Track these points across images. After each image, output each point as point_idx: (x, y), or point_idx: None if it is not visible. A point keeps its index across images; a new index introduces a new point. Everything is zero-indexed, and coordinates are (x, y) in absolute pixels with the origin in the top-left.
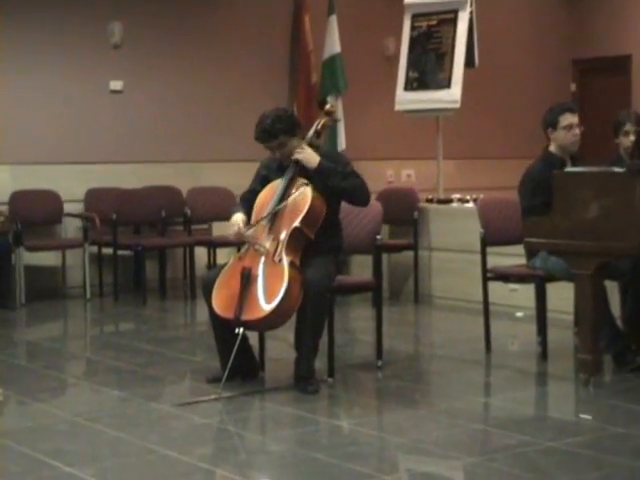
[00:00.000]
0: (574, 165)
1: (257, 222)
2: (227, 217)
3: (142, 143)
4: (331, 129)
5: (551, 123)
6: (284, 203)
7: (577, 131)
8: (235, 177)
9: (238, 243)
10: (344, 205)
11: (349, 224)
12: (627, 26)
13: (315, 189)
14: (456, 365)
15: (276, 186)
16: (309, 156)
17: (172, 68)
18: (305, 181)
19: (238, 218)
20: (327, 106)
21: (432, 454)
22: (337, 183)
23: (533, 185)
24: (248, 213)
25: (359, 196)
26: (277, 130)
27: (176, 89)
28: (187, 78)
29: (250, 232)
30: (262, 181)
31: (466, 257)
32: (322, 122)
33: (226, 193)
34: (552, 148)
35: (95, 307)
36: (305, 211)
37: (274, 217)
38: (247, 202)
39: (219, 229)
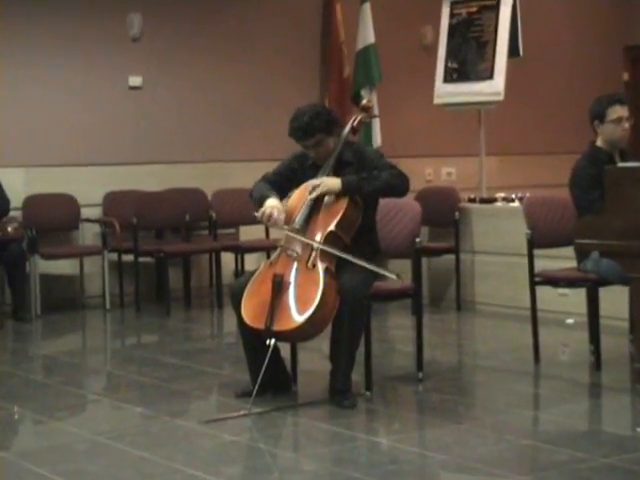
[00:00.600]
0: (623, 160)
1: (289, 229)
2: (252, 218)
3: (163, 143)
4: (365, 125)
5: (598, 115)
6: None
7: (626, 125)
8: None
9: (267, 228)
10: (381, 207)
11: (386, 226)
12: None
13: None
14: (502, 376)
15: (309, 188)
16: (328, 186)
17: (195, 63)
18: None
19: (274, 203)
20: (364, 101)
21: (477, 472)
22: (369, 189)
23: (584, 182)
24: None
25: (396, 188)
26: (315, 128)
27: (199, 85)
28: (211, 73)
29: (286, 228)
30: (289, 173)
31: (512, 260)
32: (358, 118)
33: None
34: (599, 142)
35: (115, 318)
36: (341, 214)
37: (307, 221)
38: (272, 185)
39: (247, 233)
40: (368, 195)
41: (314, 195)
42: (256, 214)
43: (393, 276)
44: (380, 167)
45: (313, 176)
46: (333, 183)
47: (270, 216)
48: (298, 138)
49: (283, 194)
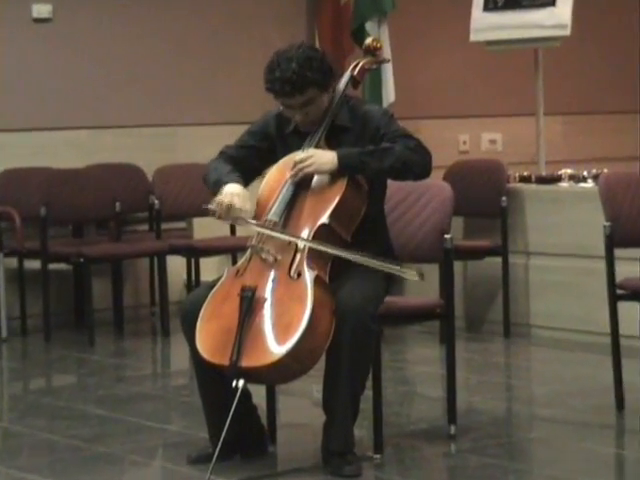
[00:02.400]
0: None
1: (260, 224)
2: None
3: (84, 99)
4: (371, 74)
5: None
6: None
7: None
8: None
9: (228, 223)
10: (393, 190)
11: (402, 218)
12: None
13: None
14: (571, 431)
15: (291, 165)
16: (317, 162)
17: None
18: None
19: (235, 189)
20: (369, 40)
21: None
22: (376, 167)
23: None
24: (242, 181)
25: (413, 167)
26: (306, 80)
27: (135, 18)
28: (152, 2)
29: (255, 223)
30: (261, 144)
31: (583, 265)
32: (361, 64)
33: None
34: None
35: (15, 351)
36: (337, 200)
37: (289, 210)
38: (235, 164)
39: (203, 228)
40: (374, 176)
41: (299, 176)
42: (209, 206)
43: (412, 274)
44: (390, 135)
45: (297, 147)
46: (325, 159)
47: (229, 208)
48: (282, 95)
49: (251, 176)
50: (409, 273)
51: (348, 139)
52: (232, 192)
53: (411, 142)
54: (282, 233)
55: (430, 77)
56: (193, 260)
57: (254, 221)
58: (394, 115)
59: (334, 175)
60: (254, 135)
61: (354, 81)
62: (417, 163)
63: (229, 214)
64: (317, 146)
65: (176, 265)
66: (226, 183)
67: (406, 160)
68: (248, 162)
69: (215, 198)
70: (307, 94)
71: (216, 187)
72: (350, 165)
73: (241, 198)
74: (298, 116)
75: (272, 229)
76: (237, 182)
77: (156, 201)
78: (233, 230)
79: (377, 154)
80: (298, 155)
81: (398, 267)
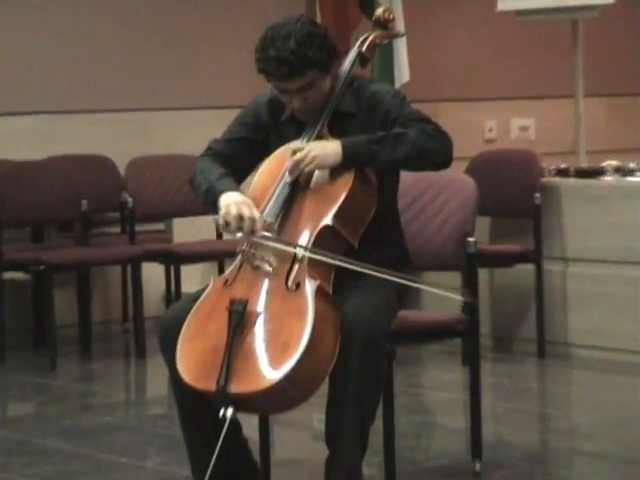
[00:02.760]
0: None
1: (278, 240)
2: (194, 205)
3: (42, 80)
4: (382, 50)
5: None
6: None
7: None
8: (209, 134)
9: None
10: (407, 185)
11: (418, 217)
12: None
13: None
14: (617, 468)
15: (288, 156)
16: (319, 155)
17: None
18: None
19: (237, 198)
20: (379, 10)
21: None
22: (387, 158)
23: None
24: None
25: (432, 155)
26: (307, 61)
27: None
28: None
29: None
30: (252, 134)
31: (630, 274)
32: (370, 39)
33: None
34: None
35: None
36: (343, 198)
37: (286, 211)
38: (226, 161)
39: (184, 230)
40: (385, 167)
41: (296, 172)
42: (217, 220)
43: (457, 295)
44: (403, 119)
45: (294, 138)
46: (328, 150)
47: (240, 220)
48: (278, 78)
49: (244, 172)
50: (451, 294)
51: (353, 127)
52: (234, 201)
53: (428, 126)
54: (278, 242)
55: (450, 53)
56: (173, 268)
57: (267, 235)
58: (406, 97)
59: (339, 168)
60: (245, 126)
61: (362, 59)
62: (436, 150)
63: (241, 229)
64: (319, 137)
65: (153, 274)
66: (223, 192)
67: (423, 147)
68: (239, 157)
69: (219, 211)
70: (307, 77)
71: (210, 195)
72: (357, 156)
73: (248, 207)
74: (296, 102)
75: (269, 239)
76: (233, 185)
77: (129, 198)
78: (220, 233)
79: (389, 141)
80: (295, 145)
81: (432, 286)
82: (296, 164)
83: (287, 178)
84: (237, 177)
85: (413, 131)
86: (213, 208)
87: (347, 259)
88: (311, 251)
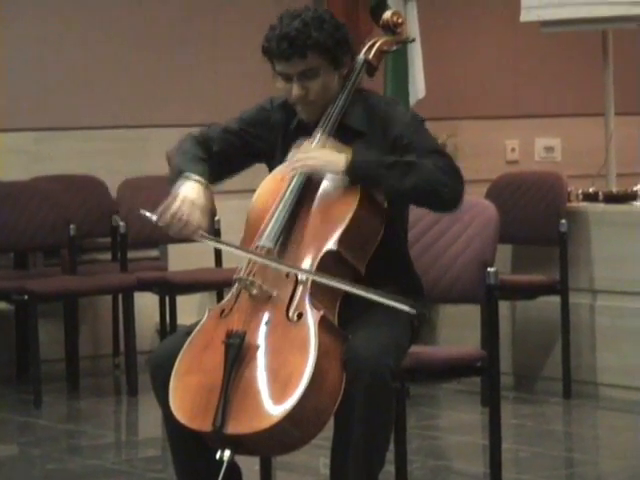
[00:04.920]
0: None
1: (247, 250)
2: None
3: (29, 95)
4: (393, 59)
5: None
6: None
7: None
8: None
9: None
10: (422, 210)
11: (433, 245)
12: None
13: None
14: None
15: (290, 175)
16: (324, 156)
17: None
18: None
19: (190, 191)
20: (387, 14)
21: None
22: (395, 186)
23: None
24: (213, 174)
25: (442, 194)
26: (310, 40)
27: None
28: None
29: (208, 238)
30: (257, 130)
31: None
32: (378, 44)
33: None
34: None
35: None
36: (348, 220)
37: (286, 234)
38: (210, 149)
39: (181, 257)
40: (389, 195)
41: (298, 170)
42: (150, 215)
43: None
44: (416, 147)
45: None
46: (333, 157)
47: (173, 218)
48: (278, 54)
49: (230, 171)
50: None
51: (360, 147)
52: (183, 196)
53: (442, 161)
54: (279, 262)
55: (470, 67)
56: (168, 298)
57: (207, 236)
58: (425, 122)
59: (344, 188)
60: (250, 120)
61: (369, 66)
62: (448, 188)
63: (172, 222)
64: (324, 142)
65: (147, 305)
66: (183, 174)
67: (435, 182)
68: (233, 149)
69: (164, 202)
70: (309, 60)
71: (173, 178)
72: (361, 174)
73: (189, 205)
74: (295, 89)
75: (266, 257)
76: (199, 177)
77: (121, 223)
78: (219, 261)
79: (398, 168)
80: (297, 156)
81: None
82: (298, 159)
83: (288, 188)
84: (218, 173)
85: (426, 163)
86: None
87: (352, 283)
88: (314, 274)
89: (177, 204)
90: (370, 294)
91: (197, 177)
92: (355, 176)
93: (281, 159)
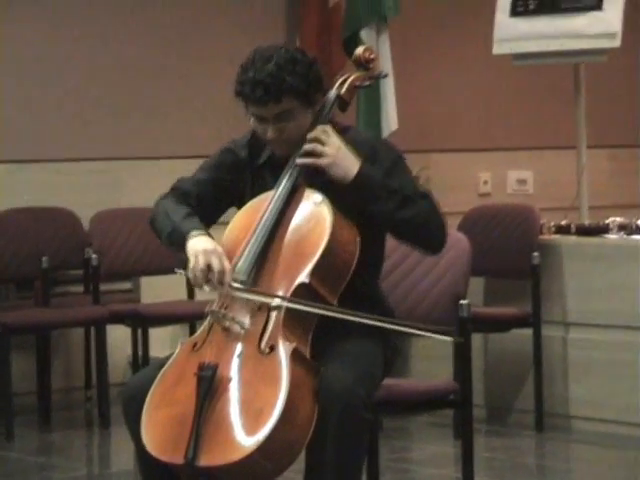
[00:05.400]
0: None
1: (251, 291)
2: (164, 262)
3: (2, 127)
4: (366, 95)
5: None
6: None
7: None
8: None
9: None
10: (394, 243)
11: (406, 278)
12: None
13: (337, 208)
14: None
15: (262, 209)
16: (338, 156)
17: None
18: (317, 194)
19: (208, 245)
20: (359, 50)
21: None
22: (389, 211)
23: None
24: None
25: (428, 236)
26: (284, 86)
27: (74, 28)
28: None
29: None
30: (227, 175)
31: (636, 340)
32: (350, 80)
33: None
34: None
35: None
36: (320, 251)
37: (258, 268)
38: (190, 203)
39: (153, 290)
40: (382, 219)
41: (300, 161)
42: (182, 272)
43: (446, 337)
44: (404, 187)
45: (269, 182)
46: (346, 162)
47: (208, 271)
48: (253, 101)
49: (213, 217)
50: (440, 336)
51: (338, 186)
52: (205, 249)
53: (432, 205)
54: (251, 293)
55: (442, 100)
56: (140, 330)
57: (237, 287)
58: (403, 157)
59: (315, 217)
60: (218, 166)
61: (341, 102)
62: (438, 227)
63: (208, 281)
64: (294, 189)
65: (119, 337)
66: (190, 232)
67: (428, 219)
68: (209, 199)
69: (189, 259)
70: (283, 104)
71: (175, 237)
72: (366, 188)
73: (218, 256)
74: (270, 131)
75: (243, 290)
76: (202, 228)
77: (93, 255)
78: (191, 293)
79: (399, 197)
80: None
81: (418, 328)
82: (311, 143)
83: (293, 160)
84: (204, 221)
85: (422, 203)
86: (178, 250)
87: (326, 306)
88: (289, 300)
89: (196, 258)
90: (348, 316)
91: (201, 231)
92: (358, 187)
93: (250, 195)
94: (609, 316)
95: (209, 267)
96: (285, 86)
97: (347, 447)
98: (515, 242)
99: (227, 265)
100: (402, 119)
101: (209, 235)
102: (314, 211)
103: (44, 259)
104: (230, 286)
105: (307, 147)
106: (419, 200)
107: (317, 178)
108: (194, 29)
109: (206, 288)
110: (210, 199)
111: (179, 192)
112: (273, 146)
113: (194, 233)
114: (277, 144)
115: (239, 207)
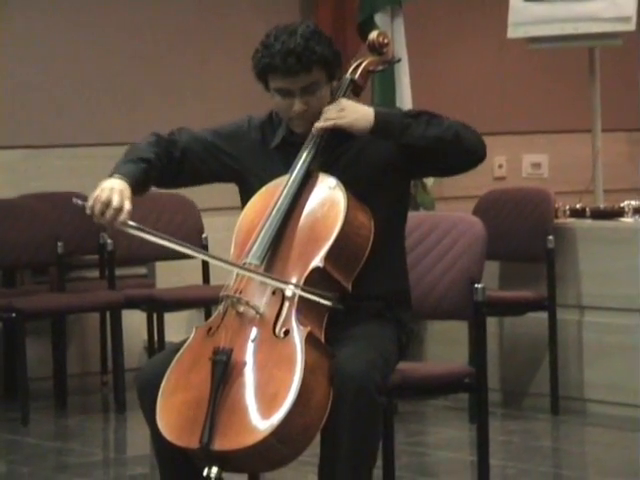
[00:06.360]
0: None
1: (231, 263)
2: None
3: (16, 111)
4: (383, 77)
5: None
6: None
7: None
8: None
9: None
10: (410, 226)
11: (420, 261)
12: None
13: (351, 193)
14: None
15: (277, 193)
16: (351, 113)
17: None
18: (331, 178)
19: (117, 184)
20: (373, 34)
21: None
22: (421, 134)
23: None
24: (163, 178)
25: (468, 143)
26: (315, 55)
27: (80, 11)
28: None
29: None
30: (226, 149)
31: None
32: (363, 65)
33: (181, 204)
34: None
35: None
36: (334, 235)
37: (273, 252)
38: (169, 153)
39: (169, 275)
40: (414, 145)
41: (322, 125)
42: (79, 202)
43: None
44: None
45: (281, 167)
46: (360, 113)
47: (107, 206)
48: (285, 70)
49: (186, 180)
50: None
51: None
52: (111, 186)
53: (447, 117)
54: (265, 277)
55: (457, 83)
56: (156, 315)
57: (144, 230)
58: None
59: (329, 201)
60: (225, 136)
61: (355, 86)
62: (471, 138)
63: (104, 216)
64: (307, 174)
65: (134, 322)
66: (112, 175)
67: (458, 131)
68: (194, 158)
69: (92, 195)
70: (313, 74)
71: (113, 170)
72: (389, 126)
73: (120, 195)
74: (297, 105)
75: (252, 271)
76: (124, 177)
77: (109, 240)
78: (207, 277)
79: (424, 117)
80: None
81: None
82: (325, 115)
83: (312, 134)
84: (172, 178)
85: (444, 116)
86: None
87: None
88: (301, 289)
89: (105, 192)
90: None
91: (125, 177)
92: (382, 127)
93: (258, 179)
94: (624, 299)
95: (109, 203)
96: (315, 56)
97: (361, 431)
98: (530, 226)
99: (127, 206)
100: (417, 103)
101: (129, 185)
102: (328, 195)
103: (60, 244)
104: (124, 224)
105: (325, 112)
106: (438, 115)
107: (331, 161)
108: (210, 10)
109: (101, 222)
110: (195, 159)
111: (169, 138)
112: (295, 122)
113: (116, 175)
114: (300, 120)
115: (241, 190)
